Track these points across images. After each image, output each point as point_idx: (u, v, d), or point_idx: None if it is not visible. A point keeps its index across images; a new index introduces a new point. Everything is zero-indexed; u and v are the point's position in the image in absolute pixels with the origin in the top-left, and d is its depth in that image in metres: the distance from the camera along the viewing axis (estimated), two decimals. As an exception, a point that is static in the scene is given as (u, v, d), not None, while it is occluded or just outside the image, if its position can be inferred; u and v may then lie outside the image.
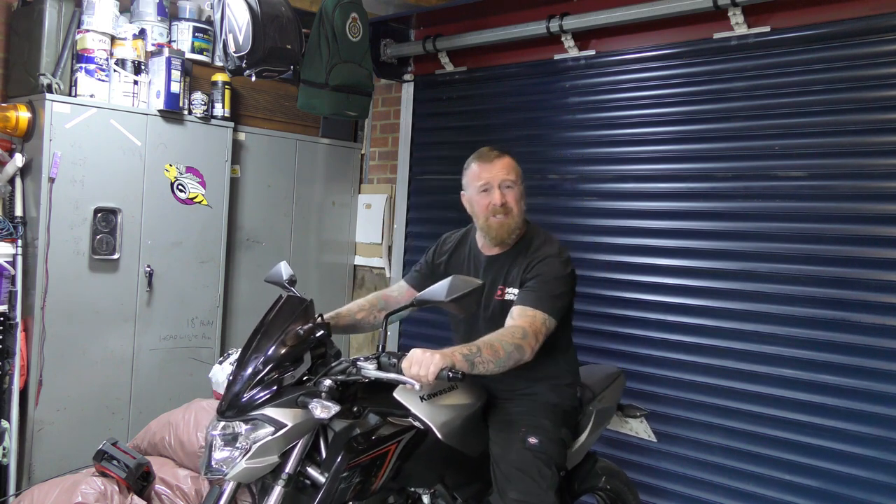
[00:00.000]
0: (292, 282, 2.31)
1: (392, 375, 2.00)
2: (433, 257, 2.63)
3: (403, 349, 3.61)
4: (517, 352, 2.13)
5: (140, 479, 2.79)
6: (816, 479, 2.88)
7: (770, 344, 3.01)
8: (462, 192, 2.50)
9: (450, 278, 2.08)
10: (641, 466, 3.34)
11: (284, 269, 2.35)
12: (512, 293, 2.36)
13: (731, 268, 3.13)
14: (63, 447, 3.42)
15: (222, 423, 1.94)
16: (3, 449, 3.30)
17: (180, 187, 3.77)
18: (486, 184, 2.40)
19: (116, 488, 2.71)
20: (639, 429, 2.86)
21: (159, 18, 3.73)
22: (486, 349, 2.07)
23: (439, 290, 2.06)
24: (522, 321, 2.21)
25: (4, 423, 3.31)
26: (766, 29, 3.05)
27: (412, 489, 2.31)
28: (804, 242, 2.95)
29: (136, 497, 2.76)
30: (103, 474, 2.76)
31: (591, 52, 3.60)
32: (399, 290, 2.64)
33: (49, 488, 2.70)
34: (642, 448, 3.33)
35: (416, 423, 2.17)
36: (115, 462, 2.77)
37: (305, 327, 2.08)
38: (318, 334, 2.10)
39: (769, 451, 3.00)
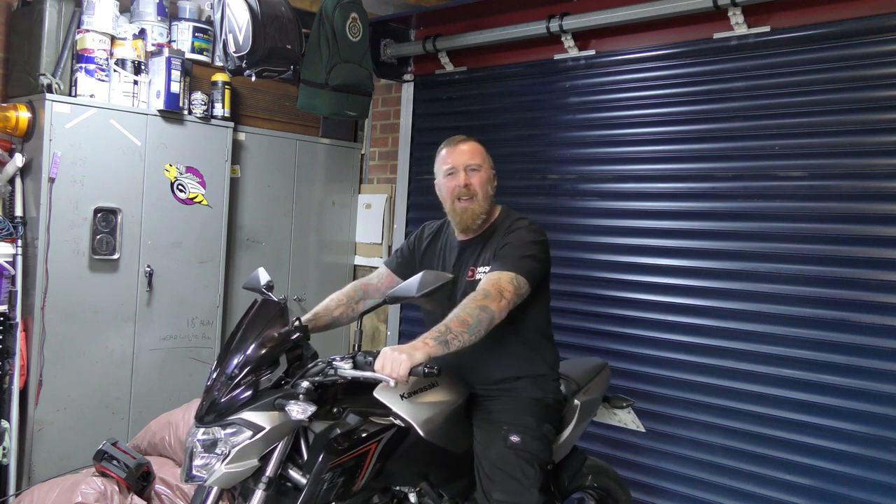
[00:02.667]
0: (269, 287, 2.32)
1: (368, 374, 2.00)
2: (414, 243, 2.65)
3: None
4: (484, 312, 2.11)
5: (140, 479, 2.80)
6: (816, 479, 2.88)
7: (770, 344, 3.01)
8: (435, 181, 2.54)
9: (420, 274, 2.10)
10: (641, 466, 3.34)
11: (262, 275, 2.36)
12: (482, 272, 2.36)
13: (730, 268, 3.13)
14: (63, 447, 3.42)
15: (201, 430, 1.94)
16: (3, 449, 3.30)
17: (180, 187, 3.78)
18: (452, 167, 2.44)
19: (116, 488, 2.72)
20: (627, 419, 2.85)
21: (159, 18, 3.73)
22: (454, 323, 2.07)
23: (410, 285, 2.09)
24: (485, 284, 2.22)
25: (4, 423, 3.31)
26: (766, 29, 3.05)
27: (397, 488, 2.31)
28: (804, 242, 2.95)
29: (136, 497, 2.76)
30: (103, 474, 2.76)
31: (591, 52, 3.60)
32: (379, 277, 2.66)
33: (49, 488, 2.70)
34: (641, 448, 3.33)
35: (398, 422, 2.16)
36: (115, 462, 2.77)
37: (281, 330, 2.08)
38: (293, 337, 2.10)
39: (769, 451, 3.00)
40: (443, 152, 2.49)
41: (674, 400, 3.26)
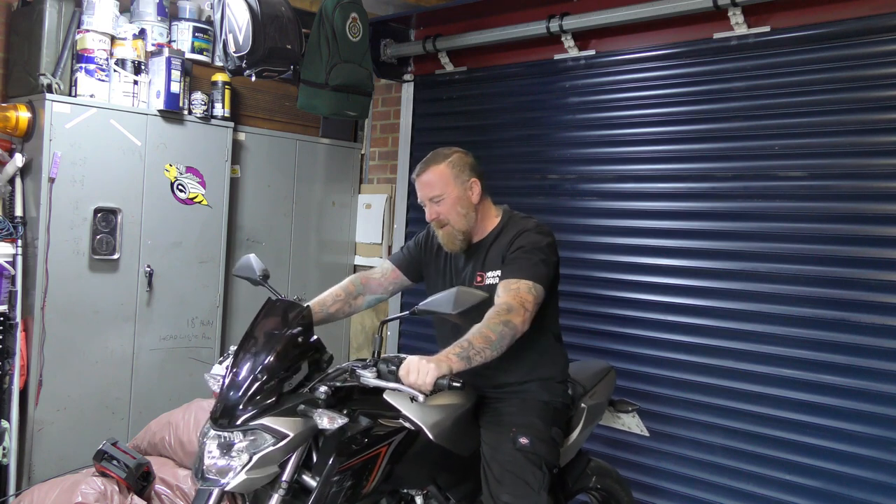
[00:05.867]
0: (265, 276, 2.28)
1: (392, 385, 1.98)
2: (423, 241, 2.63)
3: (404, 350, 3.61)
4: (508, 328, 2.11)
5: (140, 479, 2.80)
6: (816, 479, 2.88)
7: (770, 344, 3.01)
8: None
9: (454, 290, 2.06)
10: (641, 466, 3.34)
11: (255, 263, 2.30)
12: (492, 277, 2.36)
13: (730, 268, 3.12)
14: (63, 447, 3.42)
15: (216, 431, 1.92)
16: (3, 449, 3.30)
17: (180, 187, 3.78)
18: (420, 201, 2.46)
19: (116, 488, 2.72)
20: (631, 424, 2.86)
21: (159, 18, 3.73)
22: (476, 339, 2.06)
23: (445, 301, 2.04)
24: (506, 296, 2.21)
25: (4, 423, 3.31)
26: (766, 29, 3.05)
27: (405, 490, 2.30)
28: (804, 242, 2.95)
29: (136, 497, 2.76)
30: (103, 474, 2.76)
31: (591, 52, 3.60)
32: (383, 272, 2.64)
33: (49, 488, 2.70)
34: (642, 448, 3.33)
35: (407, 425, 2.16)
36: (115, 462, 2.77)
37: (302, 334, 2.06)
38: (312, 339, 2.08)
39: (769, 451, 2.99)
40: (414, 182, 2.48)
41: (674, 400, 3.26)
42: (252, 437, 1.91)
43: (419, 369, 1.91)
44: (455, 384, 1.93)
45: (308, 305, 2.19)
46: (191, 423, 3.04)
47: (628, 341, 3.41)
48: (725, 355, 3.12)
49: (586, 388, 2.65)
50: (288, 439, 1.92)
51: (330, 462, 2.00)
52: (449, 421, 2.24)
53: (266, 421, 1.91)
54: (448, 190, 2.40)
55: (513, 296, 2.20)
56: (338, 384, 2.02)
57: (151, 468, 2.87)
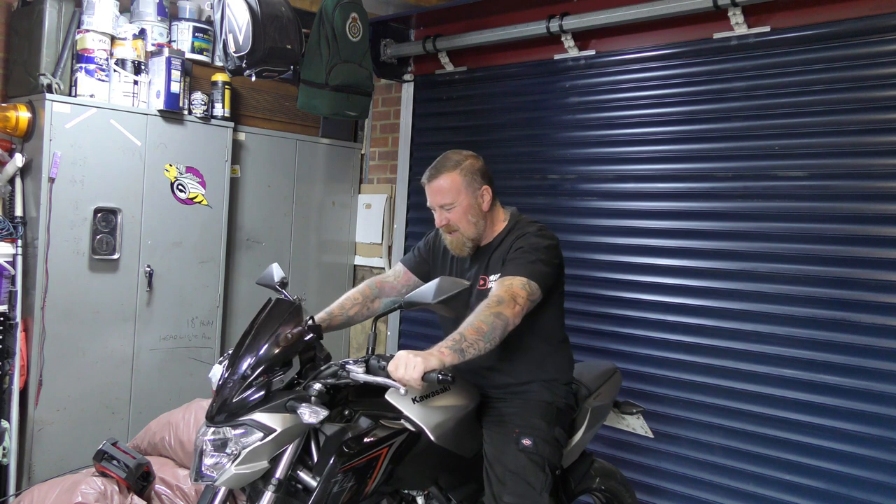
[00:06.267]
0: (284, 284, 2.31)
1: (379, 379, 1.99)
2: (432, 241, 2.64)
3: (404, 349, 3.57)
4: (499, 319, 2.09)
5: (140, 479, 2.80)
6: (816, 479, 2.88)
7: (770, 344, 3.01)
8: None
9: (437, 280, 2.09)
10: (641, 466, 3.34)
11: (276, 272, 2.34)
12: (493, 281, 2.36)
13: (730, 268, 3.13)
14: (63, 447, 3.42)
15: (212, 429, 1.93)
16: (3, 449, 3.30)
17: (180, 187, 3.78)
18: (430, 206, 2.47)
19: (116, 488, 2.72)
20: (636, 425, 2.86)
21: (159, 18, 3.73)
22: (468, 331, 2.05)
23: (427, 291, 2.07)
24: (498, 289, 2.21)
25: (4, 423, 3.31)
26: (766, 29, 3.05)
27: (406, 491, 2.30)
28: (804, 242, 2.95)
29: (136, 497, 2.76)
30: (103, 474, 2.77)
31: (591, 52, 3.60)
32: (395, 275, 2.65)
33: (49, 488, 2.70)
34: (642, 448, 3.33)
35: (409, 426, 2.15)
36: (115, 462, 2.78)
37: (294, 331, 2.07)
38: (307, 338, 2.09)
39: (769, 451, 2.99)
40: (424, 185, 2.49)
41: (674, 400, 3.26)
42: (242, 432, 1.91)
43: (407, 363, 1.90)
44: (443, 377, 1.91)
45: (300, 302, 2.19)
46: (191, 423, 3.05)
47: (628, 341, 3.41)
48: (725, 355, 3.12)
49: (591, 389, 2.64)
50: (275, 434, 1.92)
51: (331, 462, 2.00)
52: (451, 422, 2.23)
53: (255, 416, 1.92)
54: (459, 198, 2.40)
55: (504, 289, 2.19)
56: (331, 382, 2.03)
57: (151, 468, 2.88)
